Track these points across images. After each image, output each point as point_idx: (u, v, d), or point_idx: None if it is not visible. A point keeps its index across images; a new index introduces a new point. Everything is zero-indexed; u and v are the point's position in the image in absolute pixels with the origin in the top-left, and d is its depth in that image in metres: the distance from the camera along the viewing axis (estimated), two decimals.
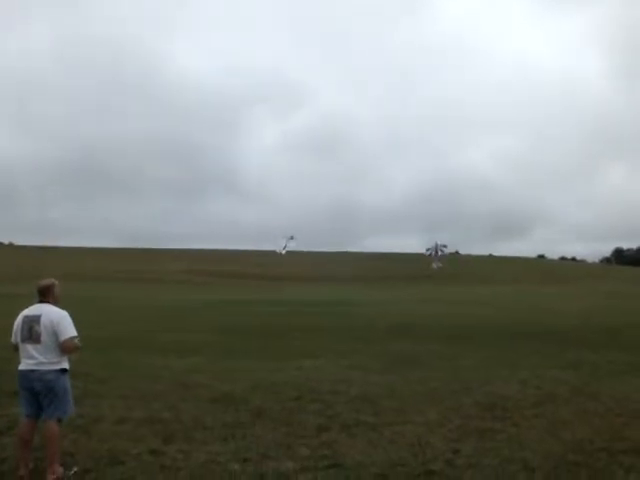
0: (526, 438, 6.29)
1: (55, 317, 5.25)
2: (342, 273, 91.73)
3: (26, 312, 5.35)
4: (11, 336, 5.41)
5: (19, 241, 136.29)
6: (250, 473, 5.30)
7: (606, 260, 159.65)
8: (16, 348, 5.38)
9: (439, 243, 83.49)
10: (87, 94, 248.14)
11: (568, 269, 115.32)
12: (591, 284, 70.21)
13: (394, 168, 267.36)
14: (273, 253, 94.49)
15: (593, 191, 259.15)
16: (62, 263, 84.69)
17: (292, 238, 76.75)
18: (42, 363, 5.20)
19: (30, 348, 5.22)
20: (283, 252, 75.76)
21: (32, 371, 5.21)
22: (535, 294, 46.87)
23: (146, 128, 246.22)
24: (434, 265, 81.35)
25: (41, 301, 5.35)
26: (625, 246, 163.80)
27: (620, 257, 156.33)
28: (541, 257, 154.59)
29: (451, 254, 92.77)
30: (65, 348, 5.26)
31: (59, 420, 5.32)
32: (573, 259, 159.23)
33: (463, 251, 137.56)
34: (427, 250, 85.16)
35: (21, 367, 5.29)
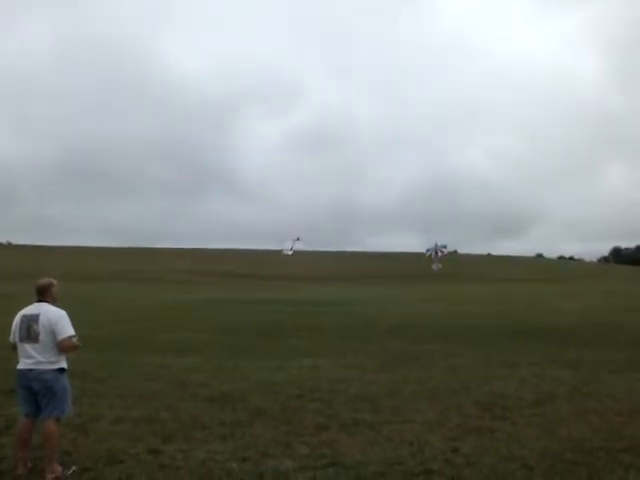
0: (525, 437, 6.30)
1: (53, 316, 5.25)
2: (341, 273, 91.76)
3: (24, 311, 5.35)
4: (9, 335, 5.41)
5: (17, 240, 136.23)
6: (249, 472, 5.30)
7: (604, 259, 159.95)
8: (14, 347, 5.38)
9: (439, 244, 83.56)
10: (86, 94, 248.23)
11: (566, 268, 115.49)
12: (589, 283, 70.28)
13: (394, 168, 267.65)
14: (277, 254, 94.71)
15: (591, 190, 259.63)
16: (60, 263, 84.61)
17: (298, 239, 77.40)
18: (40, 362, 5.20)
19: (28, 347, 5.22)
20: (290, 253, 76.12)
21: (30, 370, 5.21)
22: (533, 293, 46.91)
23: (145, 128, 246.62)
24: (434, 266, 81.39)
25: (39, 300, 5.36)
26: (623, 245, 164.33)
27: (618, 256, 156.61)
28: (539, 256, 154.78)
29: (450, 253, 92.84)
30: (63, 347, 5.26)
31: (57, 419, 5.32)
32: (571, 258, 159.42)
33: (462, 250, 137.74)
34: (427, 251, 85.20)
35: (19, 366, 5.29)
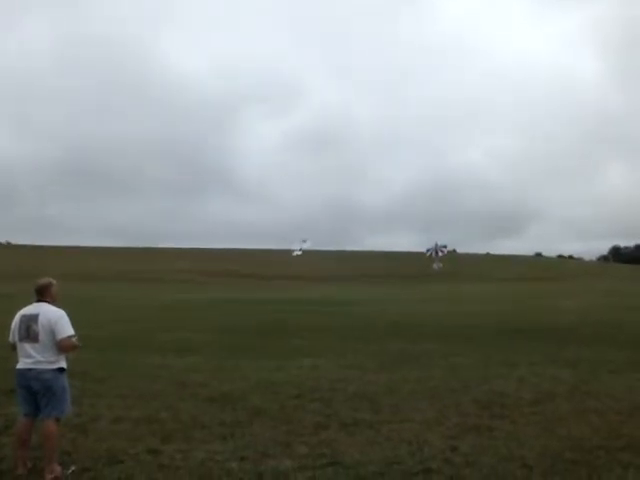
0: (524, 436, 6.30)
1: (53, 316, 5.25)
2: (341, 272, 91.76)
3: (24, 311, 5.36)
4: (9, 335, 5.41)
5: (17, 240, 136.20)
6: (249, 472, 5.30)
7: (604, 258, 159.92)
8: (14, 347, 5.39)
9: (439, 243, 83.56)
10: (86, 94, 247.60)
11: (565, 267, 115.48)
12: (589, 282, 70.27)
13: (393, 168, 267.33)
14: (277, 253, 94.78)
15: (591, 189, 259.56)
16: (60, 263, 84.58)
17: (305, 241, 77.94)
18: (40, 362, 5.20)
19: (28, 347, 5.23)
20: (300, 253, 76.60)
21: (30, 370, 5.21)
22: (533, 292, 46.91)
23: (145, 128, 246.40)
24: (435, 266, 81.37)
25: (39, 300, 5.36)
26: (622, 244, 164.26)
27: (618, 255, 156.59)
28: (538, 255, 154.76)
29: (449, 252, 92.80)
30: (62, 347, 5.27)
31: (57, 419, 5.32)
32: (571, 257, 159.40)
33: (461, 250, 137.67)
34: (427, 250, 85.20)
35: (19, 366, 5.30)
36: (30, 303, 5.42)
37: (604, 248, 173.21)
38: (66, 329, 5.26)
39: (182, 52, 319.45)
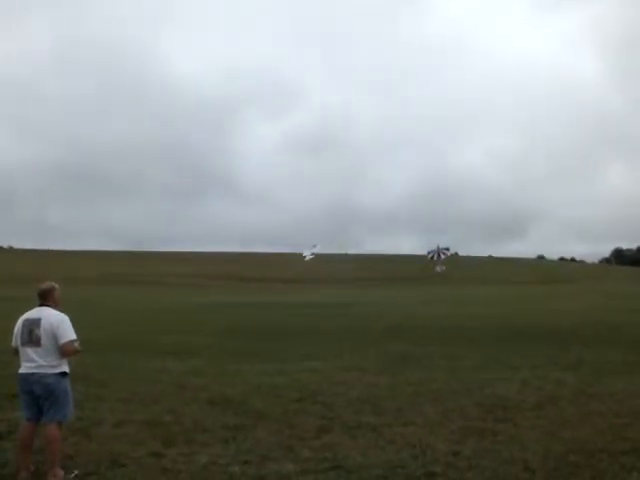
0: (527, 439, 6.28)
1: (55, 320, 5.26)
2: (342, 275, 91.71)
3: (26, 315, 5.37)
4: (11, 340, 5.42)
5: (19, 245, 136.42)
6: (251, 475, 5.29)
7: (606, 260, 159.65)
8: (16, 352, 5.39)
9: (441, 246, 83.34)
10: (86, 96, 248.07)
11: (568, 269, 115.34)
12: (591, 284, 70.16)
13: (394, 168, 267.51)
14: (283, 258, 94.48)
15: (593, 191, 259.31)
16: (62, 267, 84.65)
17: (315, 245, 78.53)
18: (42, 366, 5.20)
19: (30, 351, 5.23)
20: (312, 257, 77.05)
21: (32, 374, 5.21)
22: (535, 295, 46.85)
23: (145, 130, 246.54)
24: (438, 268, 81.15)
25: (41, 304, 5.37)
26: (625, 246, 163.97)
27: (620, 257, 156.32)
28: (541, 258, 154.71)
29: (451, 255, 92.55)
30: (65, 351, 5.27)
31: (59, 423, 5.32)
32: (573, 260, 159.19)
33: (463, 252, 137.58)
34: (428, 253, 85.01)
35: (21, 370, 5.30)
36: (32, 307, 5.42)
37: (606, 250, 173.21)
38: (68, 333, 5.27)
39: (182, 53, 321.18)
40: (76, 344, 5.35)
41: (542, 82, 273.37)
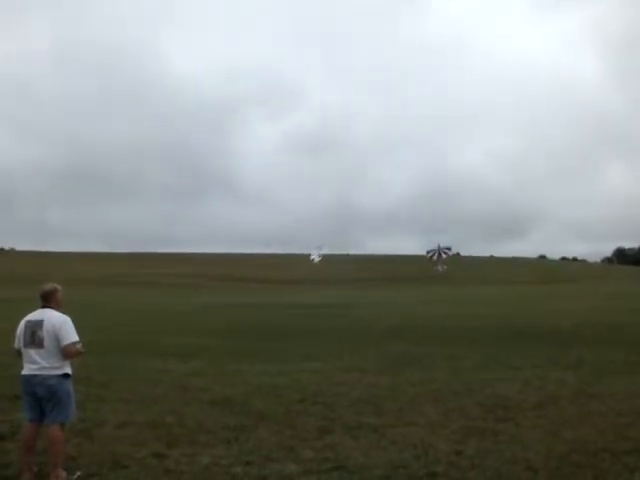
0: (529, 439, 6.29)
1: (57, 322, 5.27)
2: (343, 275, 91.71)
3: (29, 317, 5.38)
4: (14, 341, 5.43)
5: (20, 247, 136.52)
6: (253, 476, 5.30)
7: (607, 260, 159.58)
8: (19, 353, 5.40)
9: (441, 245, 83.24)
10: (85, 97, 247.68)
11: (569, 269, 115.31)
12: (592, 284, 70.15)
13: (394, 168, 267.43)
14: (283, 258, 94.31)
15: (594, 191, 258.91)
16: (63, 268, 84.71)
17: (321, 247, 78.80)
18: (44, 368, 5.21)
19: (33, 353, 5.24)
20: (319, 259, 77.26)
21: (34, 376, 5.22)
22: (536, 295, 46.85)
23: (145, 130, 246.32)
24: (439, 268, 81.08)
25: (44, 306, 5.38)
26: (627, 245, 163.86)
27: (622, 257, 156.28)
28: (542, 257, 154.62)
29: (453, 255, 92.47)
30: (67, 353, 5.28)
31: (62, 425, 5.33)
32: (574, 259, 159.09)
33: (464, 252, 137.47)
34: (428, 252, 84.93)
35: (24, 372, 5.31)
36: (34, 309, 5.43)
37: (608, 250, 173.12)
38: (70, 335, 5.27)
39: (182, 53, 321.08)
40: (78, 346, 5.36)
41: (542, 82, 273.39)
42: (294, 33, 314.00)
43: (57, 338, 5.22)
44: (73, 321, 5.39)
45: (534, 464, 5.49)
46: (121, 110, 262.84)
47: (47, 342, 5.21)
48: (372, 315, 25.97)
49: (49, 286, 5.48)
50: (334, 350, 13.79)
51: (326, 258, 79.11)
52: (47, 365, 5.21)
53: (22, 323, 5.38)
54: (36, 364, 5.22)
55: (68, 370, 5.37)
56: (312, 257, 77.77)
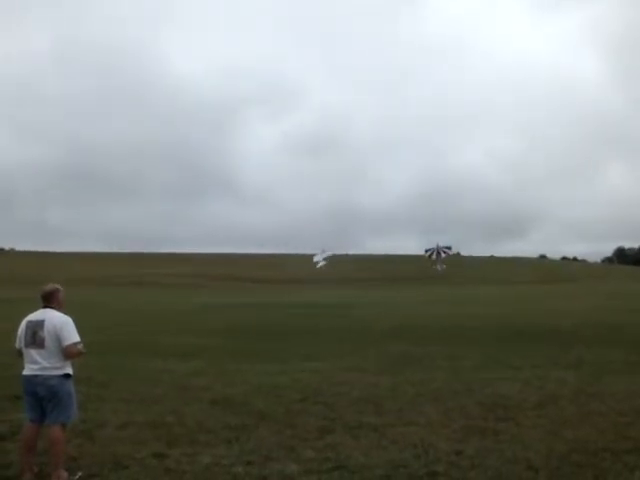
0: (529, 438, 6.30)
1: (58, 322, 5.27)
2: (343, 275, 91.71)
3: (30, 317, 5.38)
4: (15, 341, 5.43)
5: (21, 247, 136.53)
6: (254, 476, 5.31)
7: (608, 260, 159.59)
8: (20, 353, 5.41)
9: (440, 244, 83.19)
10: (85, 96, 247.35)
11: (570, 269, 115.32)
12: (593, 284, 70.17)
13: (394, 169, 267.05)
14: (283, 258, 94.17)
15: (594, 190, 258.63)
16: (64, 268, 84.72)
17: (324, 251, 79.05)
18: (45, 368, 5.22)
19: (34, 353, 5.24)
20: (324, 263, 77.52)
21: (35, 376, 5.23)
22: (537, 294, 46.86)
23: (145, 130, 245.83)
24: (438, 267, 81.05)
25: (45, 306, 5.38)
26: (627, 245, 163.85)
27: (622, 256, 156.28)
28: (542, 257, 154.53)
29: (454, 255, 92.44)
30: (68, 353, 5.29)
31: (63, 425, 5.33)
32: (575, 259, 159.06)
33: (465, 252, 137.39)
34: (426, 251, 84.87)
35: (25, 372, 5.31)
36: (35, 309, 5.44)
37: (608, 250, 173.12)
38: (72, 335, 5.28)
39: (182, 53, 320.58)
40: (80, 346, 5.36)
41: (542, 82, 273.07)
42: (294, 33, 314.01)
43: (58, 338, 5.22)
44: (74, 321, 5.40)
45: (535, 463, 5.50)
46: (121, 110, 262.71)
47: (48, 342, 5.21)
48: (372, 315, 25.97)
49: (50, 286, 5.48)
50: (334, 350, 13.79)
51: (330, 261, 79.20)
52: (48, 365, 5.22)
53: (23, 323, 5.39)
54: (37, 364, 5.23)
55: (69, 370, 5.38)
56: (316, 260, 77.90)
